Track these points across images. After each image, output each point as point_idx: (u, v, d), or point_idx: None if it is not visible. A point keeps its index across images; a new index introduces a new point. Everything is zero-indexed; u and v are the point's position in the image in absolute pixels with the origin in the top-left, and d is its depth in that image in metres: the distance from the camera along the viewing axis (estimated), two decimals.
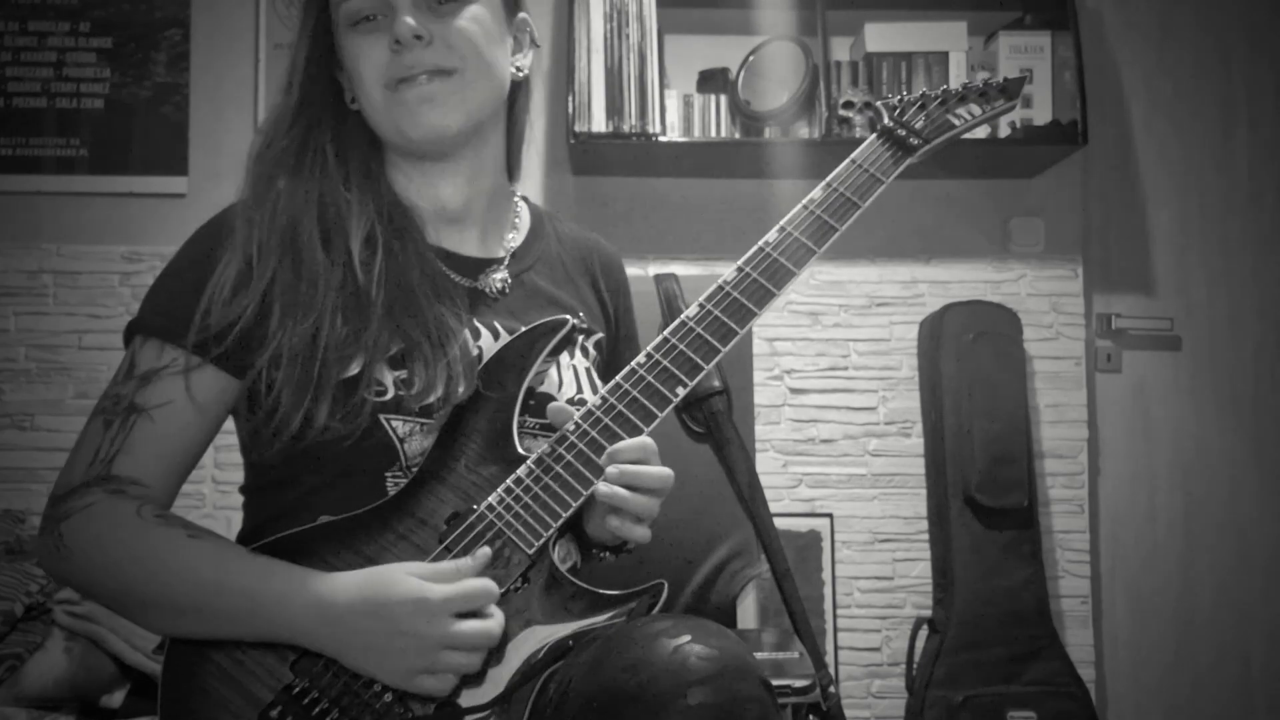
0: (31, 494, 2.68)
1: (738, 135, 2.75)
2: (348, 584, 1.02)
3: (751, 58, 2.78)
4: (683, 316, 1.14)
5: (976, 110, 1.33)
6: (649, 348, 1.13)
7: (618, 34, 2.64)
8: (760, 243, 1.18)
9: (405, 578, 1.01)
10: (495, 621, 1.01)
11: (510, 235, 1.29)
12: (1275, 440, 2.92)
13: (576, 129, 2.60)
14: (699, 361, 1.11)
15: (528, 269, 1.28)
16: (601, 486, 1.06)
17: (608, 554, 1.21)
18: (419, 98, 1.15)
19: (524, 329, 1.17)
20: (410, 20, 1.13)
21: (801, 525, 2.79)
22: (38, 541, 1.08)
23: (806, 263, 1.17)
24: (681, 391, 1.10)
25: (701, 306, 1.14)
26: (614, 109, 2.61)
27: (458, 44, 1.16)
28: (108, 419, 1.10)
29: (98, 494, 1.06)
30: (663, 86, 2.66)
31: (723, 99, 2.75)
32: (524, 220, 1.32)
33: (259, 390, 1.12)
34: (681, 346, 1.12)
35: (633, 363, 1.12)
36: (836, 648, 2.76)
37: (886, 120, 1.28)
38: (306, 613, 1.01)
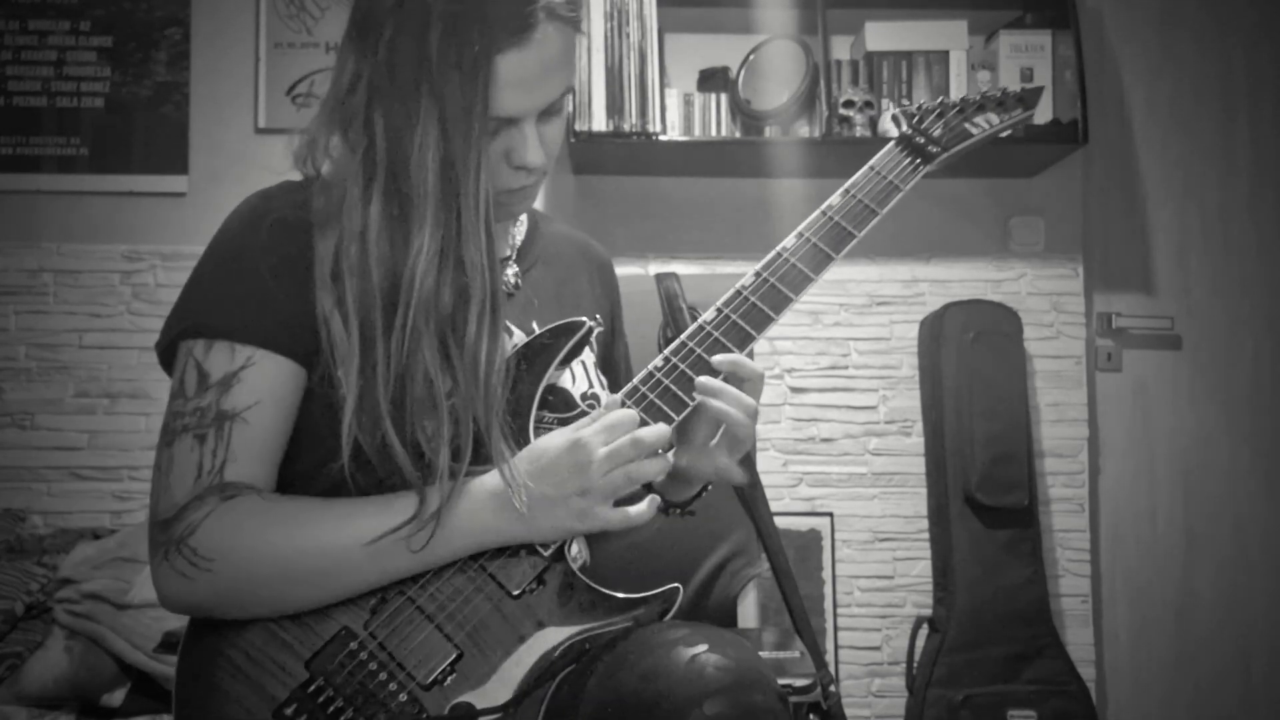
0: (32, 493, 2.68)
1: (738, 134, 2.75)
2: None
3: (752, 57, 2.78)
4: (700, 320, 1.14)
5: (995, 119, 1.34)
6: (666, 351, 1.13)
7: (618, 33, 2.64)
8: (778, 248, 1.18)
9: (552, 438, 1.06)
10: (656, 426, 1.06)
11: (513, 232, 1.29)
12: (1275, 440, 2.93)
13: (577, 128, 2.60)
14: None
15: (532, 266, 1.28)
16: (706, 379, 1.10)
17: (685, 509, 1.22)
18: (517, 199, 1.17)
19: (544, 329, 1.17)
20: (541, 151, 1.11)
21: (802, 524, 2.79)
22: (159, 576, 1.04)
23: (824, 269, 1.18)
24: (699, 397, 1.10)
25: (719, 311, 1.15)
26: (614, 108, 2.61)
27: (555, 151, 1.16)
28: (198, 434, 1.05)
29: (214, 502, 1.03)
30: (663, 85, 2.66)
31: (723, 98, 2.75)
32: (523, 217, 1.33)
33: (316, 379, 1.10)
34: (700, 351, 1.12)
35: (650, 366, 1.12)
36: (837, 647, 2.76)
37: (905, 128, 1.28)
38: (486, 508, 1.04)
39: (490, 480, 1.06)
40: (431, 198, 1.06)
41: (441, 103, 1.04)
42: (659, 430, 1.06)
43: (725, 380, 1.11)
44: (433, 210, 1.06)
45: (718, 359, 1.11)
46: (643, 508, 1.06)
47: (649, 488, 1.11)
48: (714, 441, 1.11)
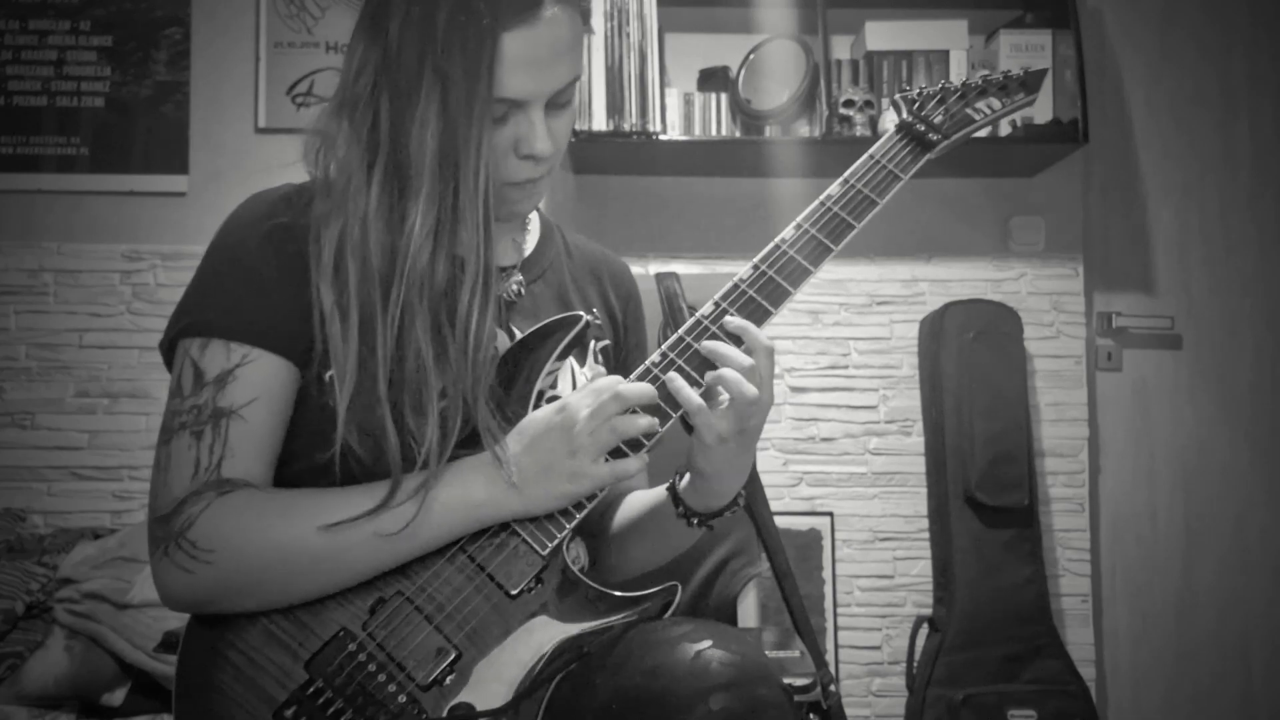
0: (32, 493, 2.68)
1: (738, 134, 2.75)
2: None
3: (752, 56, 2.78)
4: (699, 314, 1.12)
5: (996, 104, 1.31)
6: (664, 346, 1.12)
7: (618, 32, 2.64)
8: (777, 239, 1.16)
9: (541, 410, 1.08)
10: (640, 384, 1.07)
11: (522, 240, 1.28)
12: (1275, 440, 2.92)
13: (577, 127, 2.59)
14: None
15: (539, 276, 1.27)
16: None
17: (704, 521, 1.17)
18: (523, 195, 1.16)
19: (537, 325, 1.17)
20: (549, 140, 1.10)
21: (802, 524, 2.79)
22: (160, 571, 1.04)
23: (823, 261, 1.15)
24: (697, 392, 1.09)
25: (717, 304, 1.13)
26: (614, 107, 2.61)
27: (563, 144, 1.15)
28: (195, 431, 1.06)
29: (211, 496, 1.04)
30: (663, 85, 2.66)
31: (723, 97, 2.75)
32: (534, 227, 1.31)
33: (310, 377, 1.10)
34: (696, 346, 1.10)
35: (647, 361, 1.11)
36: (837, 646, 2.76)
37: (905, 115, 1.26)
38: (478, 483, 1.05)
39: (480, 457, 1.06)
40: (429, 174, 1.06)
41: (445, 80, 1.04)
42: (642, 387, 1.06)
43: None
44: (429, 187, 1.06)
45: (729, 321, 1.10)
46: (630, 463, 1.06)
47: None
48: (715, 405, 1.07)
